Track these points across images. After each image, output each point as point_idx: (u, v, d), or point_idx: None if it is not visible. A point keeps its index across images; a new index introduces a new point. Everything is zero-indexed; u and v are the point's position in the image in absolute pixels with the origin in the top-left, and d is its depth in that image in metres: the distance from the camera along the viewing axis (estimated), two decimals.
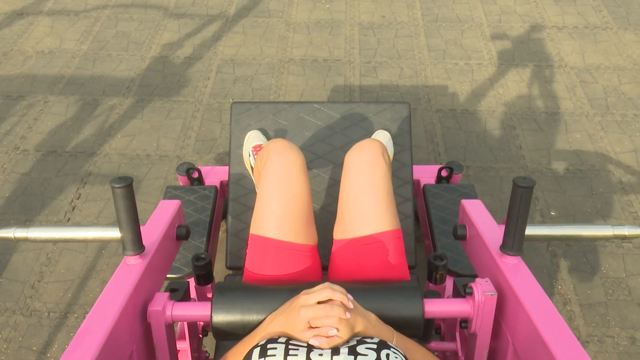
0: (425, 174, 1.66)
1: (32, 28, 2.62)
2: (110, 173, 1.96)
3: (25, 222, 1.80)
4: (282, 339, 0.77)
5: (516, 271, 0.92)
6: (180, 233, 1.14)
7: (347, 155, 1.11)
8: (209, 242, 1.44)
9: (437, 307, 0.94)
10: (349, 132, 1.52)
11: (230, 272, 1.47)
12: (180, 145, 2.05)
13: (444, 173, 1.59)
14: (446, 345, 1.15)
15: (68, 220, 1.81)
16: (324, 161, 1.48)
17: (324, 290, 0.80)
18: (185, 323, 1.19)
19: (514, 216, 0.89)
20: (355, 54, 2.46)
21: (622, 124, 2.13)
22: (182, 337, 1.25)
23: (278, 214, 1.05)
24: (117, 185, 0.84)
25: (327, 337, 0.76)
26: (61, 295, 1.61)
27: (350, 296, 0.82)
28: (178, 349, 1.26)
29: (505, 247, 0.93)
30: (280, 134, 1.53)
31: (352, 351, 0.75)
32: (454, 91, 2.28)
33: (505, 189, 1.89)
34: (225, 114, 2.18)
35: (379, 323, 0.84)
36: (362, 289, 0.94)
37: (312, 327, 0.77)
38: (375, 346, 0.75)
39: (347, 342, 0.78)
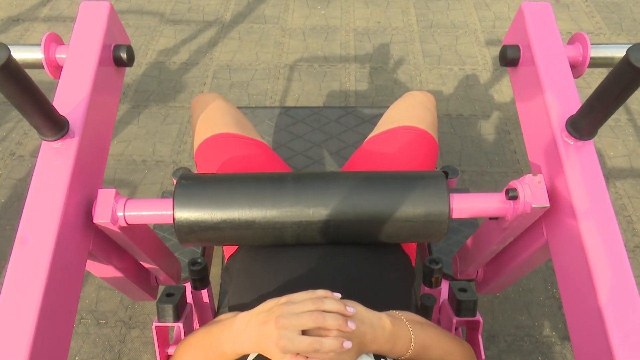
0: None
1: (27, 34, 2.63)
2: (106, 179, 1.96)
3: None
4: None
5: (579, 160, 0.65)
6: (117, 56, 0.79)
7: (407, 93, 1.21)
8: (205, 246, 1.44)
9: (468, 204, 0.72)
10: (344, 137, 1.53)
11: None
12: (177, 151, 2.06)
13: None
14: None
15: None
16: (319, 166, 1.49)
17: (311, 317, 0.58)
18: (182, 329, 1.19)
19: (606, 98, 0.59)
20: (351, 60, 2.47)
21: (616, 128, 2.15)
22: (179, 341, 1.25)
23: (209, 118, 1.07)
24: None
25: None
26: None
27: (350, 310, 0.61)
28: (172, 353, 1.26)
29: (575, 129, 0.66)
30: (276, 138, 1.54)
31: None
32: (449, 96, 2.30)
33: None
34: None
35: (394, 328, 0.66)
36: (371, 178, 0.74)
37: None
38: None
39: None
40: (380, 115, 1.57)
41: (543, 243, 0.72)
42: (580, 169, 0.65)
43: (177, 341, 1.26)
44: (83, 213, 0.68)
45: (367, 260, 0.83)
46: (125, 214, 0.71)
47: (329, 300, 0.61)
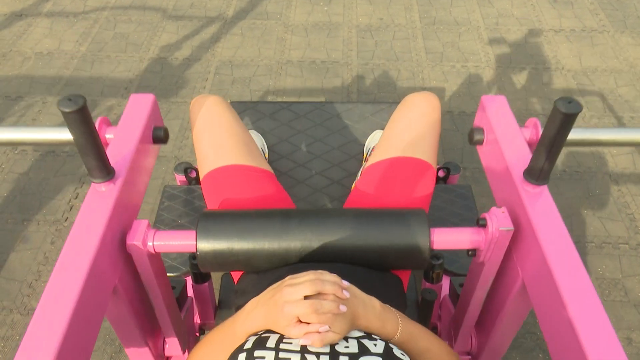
0: None
1: (30, 29, 2.63)
2: None
3: (23, 222, 1.80)
4: (272, 342, 0.67)
5: (538, 201, 0.80)
6: (157, 136, 0.98)
7: (409, 96, 1.14)
8: None
9: (446, 237, 0.85)
10: (346, 132, 1.53)
11: None
12: (178, 146, 2.06)
13: (441, 174, 1.60)
14: None
15: (66, 220, 1.81)
16: (321, 161, 1.48)
17: (312, 283, 0.68)
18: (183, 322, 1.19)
19: (547, 144, 0.75)
20: (353, 56, 2.47)
21: (619, 126, 2.15)
22: None
23: (212, 144, 1.05)
24: (68, 110, 0.67)
25: (319, 333, 0.66)
26: None
27: (345, 283, 0.71)
28: None
29: (531, 175, 0.81)
30: (277, 133, 1.53)
31: None
32: (451, 93, 2.29)
33: None
34: None
35: (383, 312, 0.74)
36: (364, 214, 0.87)
37: (300, 322, 0.67)
38: (380, 359, 0.66)
39: (347, 340, 0.68)
40: (382, 111, 1.57)
41: (520, 284, 0.82)
42: (540, 208, 0.80)
43: None
44: (117, 243, 0.80)
45: (365, 278, 0.88)
46: (155, 243, 0.82)
47: (327, 273, 0.71)
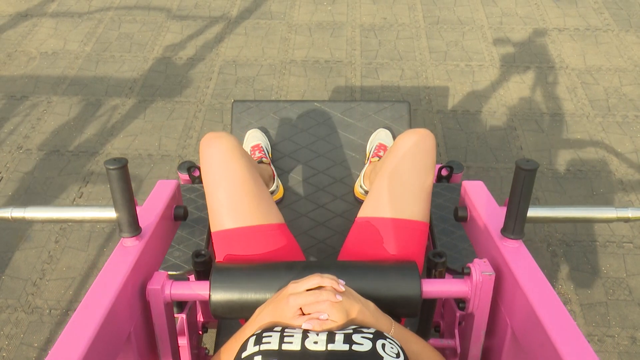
0: None
1: (36, 29, 2.64)
2: None
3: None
4: (278, 328, 0.77)
5: (516, 254, 0.92)
6: (177, 213, 1.13)
7: (402, 137, 1.09)
8: (209, 239, 1.45)
9: (435, 287, 0.94)
10: (349, 131, 1.53)
11: None
12: (182, 145, 2.07)
13: (444, 172, 1.59)
14: (445, 343, 1.15)
15: None
16: (324, 159, 1.49)
17: (313, 278, 0.80)
18: (185, 320, 1.20)
19: (516, 199, 0.87)
20: (357, 56, 2.47)
21: (623, 125, 2.14)
22: (182, 334, 1.26)
23: (226, 203, 1.04)
24: (111, 167, 0.81)
25: (319, 320, 0.75)
26: (62, 292, 1.62)
27: (342, 281, 0.82)
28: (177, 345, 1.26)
29: (506, 231, 0.93)
30: (281, 132, 1.54)
31: (347, 339, 0.73)
32: (455, 92, 2.29)
33: (506, 189, 1.90)
34: (227, 114, 2.19)
35: (377, 312, 0.83)
36: (360, 267, 0.95)
37: (304, 314, 0.77)
38: (371, 336, 0.74)
39: (343, 329, 0.76)
40: (385, 110, 1.57)
41: (511, 334, 0.90)
42: (518, 258, 0.91)
43: (181, 332, 1.27)
44: (137, 291, 0.89)
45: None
46: (172, 291, 0.91)
47: (327, 274, 0.82)
